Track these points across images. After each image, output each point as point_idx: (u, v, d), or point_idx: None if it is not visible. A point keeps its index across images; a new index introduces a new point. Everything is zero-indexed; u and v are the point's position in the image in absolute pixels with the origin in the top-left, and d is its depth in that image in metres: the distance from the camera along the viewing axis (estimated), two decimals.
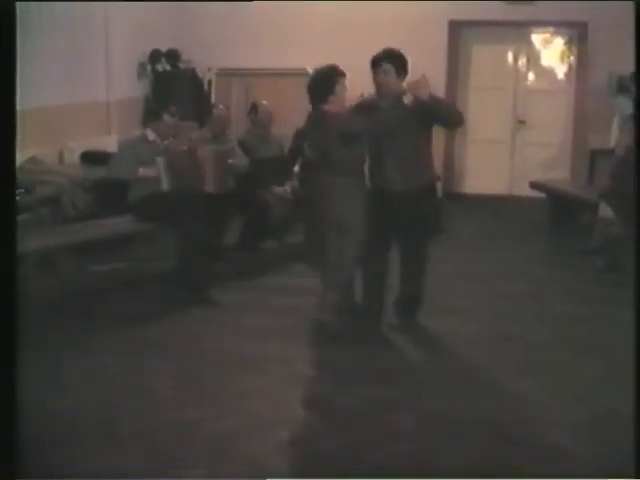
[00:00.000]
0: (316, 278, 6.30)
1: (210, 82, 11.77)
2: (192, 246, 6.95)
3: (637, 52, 5.14)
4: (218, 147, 7.80)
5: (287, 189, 8.42)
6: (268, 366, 5.55)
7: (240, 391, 5.12)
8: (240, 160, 7.98)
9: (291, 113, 8.28)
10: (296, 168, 8.51)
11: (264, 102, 8.60)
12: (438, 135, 11.61)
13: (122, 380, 5.30)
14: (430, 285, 7.42)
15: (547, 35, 12.05)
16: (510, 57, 12.13)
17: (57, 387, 5.15)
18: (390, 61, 5.86)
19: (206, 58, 11.52)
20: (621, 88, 10.66)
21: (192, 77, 11.51)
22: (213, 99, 11.51)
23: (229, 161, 7.81)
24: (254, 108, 8.65)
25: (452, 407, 4.95)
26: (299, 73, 9.88)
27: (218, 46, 11.45)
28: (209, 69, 11.72)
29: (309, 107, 6.09)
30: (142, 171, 7.14)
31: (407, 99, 5.69)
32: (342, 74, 5.97)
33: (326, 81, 5.96)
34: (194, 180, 7.38)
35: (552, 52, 12.06)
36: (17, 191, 6.58)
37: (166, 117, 7.43)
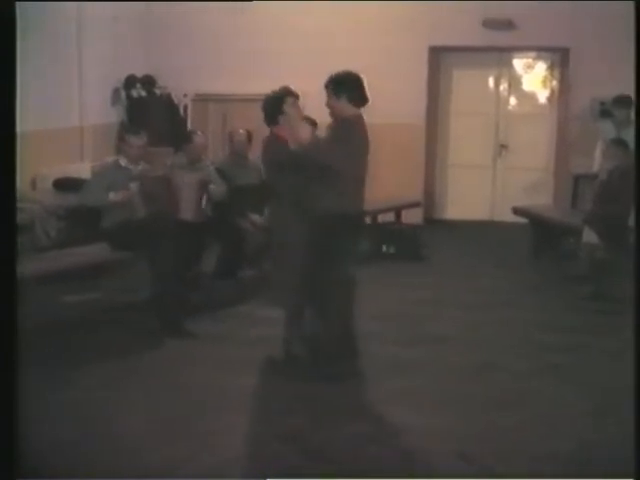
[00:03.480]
0: None
1: (186, 108, 11.78)
2: (167, 275, 6.88)
3: (637, 54, 5.10)
4: (194, 174, 7.78)
5: (265, 217, 8.41)
6: (246, 401, 5.49)
7: (216, 427, 5.03)
8: (217, 187, 7.96)
9: None
10: None
11: (241, 131, 8.61)
12: (418, 160, 11.84)
13: (94, 415, 5.22)
14: (411, 313, 7.43)
15: (529, 60, 12.17)
16: (491, 82, 12.22)
17: (24, 422, 5.07)
18: (334, 85, 5.84)
19: (182, 84, 11.54)
20: (603, 112, 10.72)
21: (168, 103, 11.51)
22: (189, 125, 11.50)
23: (209, 186, 7.82)
24: (231, 136, 8.67)
25: (432, 439, 4.89)
26: None
27: (194, 72, 11.46)
28: (185, 95, 11.73)
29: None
30: (112, 196, 7.09)
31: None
32: (293, 94, 6.14)
33: (275, 102, 6.14)
34: (169, 207, 7.35)
35: (534, 77, 12.17)
36: None
37: (130, 138, 7.36)
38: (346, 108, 5.77)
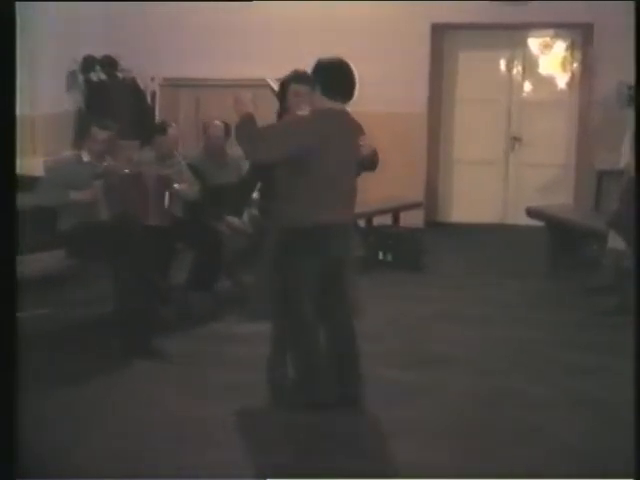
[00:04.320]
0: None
1: (154, 94, 11.80)
2: (134, 287, 6.91)
3: (637, 54, 5.21)
4: (164, 171, 7.83)
5: (245, 219, 8.44)
6: (222, 434, 5.45)
7: (189, 464, 4.99)
8: (189, 186, 8.03)
9: None
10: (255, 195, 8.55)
11: (217, 122, 8.66)
12: (419, 155, 11.89)
13: (46, 453, 5.08)
14: (410, 330, 7.43)
15: (546, 39, 12.24)
16: (503, 65, 12.30)
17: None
18: (311, 75, 5.71)
19: (149, 66, 11.57)
20: (632, 99, 10.74)
21: (132, 88, 11.54)
22: (157, 114, 11.52)
23: (176, 187, 7.82)
24: (206, 128, 8.74)
25: (437, 476, 4.85)
26: (257, 84, 9.90)
27: (163, 52, 11.49)
28: (152, 79, 11.76)
29: None
30: (74, 195, 7.16)
31: None
32: (301, 81, 6.09)
33: (280, 88, 6.27)
34: (137, 209, 7.41)
35: (552, 58, 12.24)
36: None
37: (95, 131, 7.40)
38: (321, 102, 5.58)
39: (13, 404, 3.37)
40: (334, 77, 5.57)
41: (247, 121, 5.45)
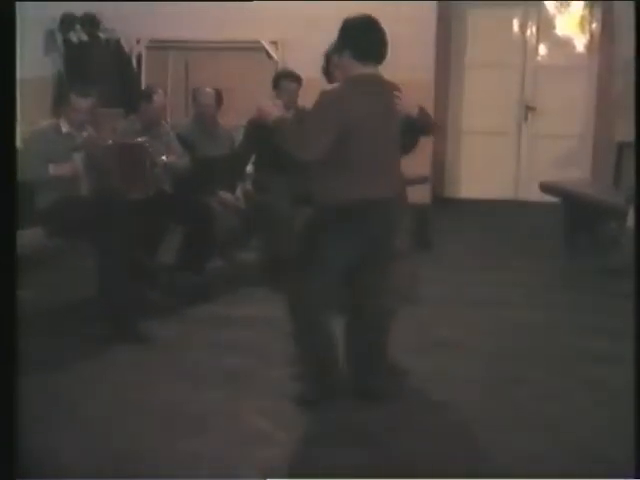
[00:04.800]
0: (276, 307, 6.12)
1: (140, 57, 11.75)
2: (118, 267, 6.94)
3: (637, 50, 5.26)
4: (150, 141, 7.83)
5: (238, 194, 8.48)
6: (216, 423, 5.50)
7: (180, 457, 5.04)
8: (178, 158, 8.06)
9: (243, 97, 8.30)
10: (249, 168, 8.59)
11: (208, 89, 8.64)
12: None
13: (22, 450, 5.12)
14: (414, 314, 7.43)
15: None
16: (516, 25, 12.27)
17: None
18: (337, 38, 5.55)
19: (134, 27, 11.51)
20: None
21: (116, 51, 11.48)
22: (144, 80, 11.50)
23: (164, 159, 7.85)
24: (196, 95, 8.75)
25: (441, 472, 4.89)
26: (252, 47, 9.92)
27: (150, 12, 11.42)
28: (138, 41, 11.71)
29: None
30: (53, 168, 7.17)
31: None
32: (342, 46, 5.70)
33: (325, 61, 6.50)
34: (121, 183, 7.42)
35: (569, 18, 12.21)
36: None
37: (74, 99, 7.39)
38: (351, 67, 5.43)
39: (13, 404, 3.49)
40: (364, 37, 5.42)
41: (281, 126, 5.42)
